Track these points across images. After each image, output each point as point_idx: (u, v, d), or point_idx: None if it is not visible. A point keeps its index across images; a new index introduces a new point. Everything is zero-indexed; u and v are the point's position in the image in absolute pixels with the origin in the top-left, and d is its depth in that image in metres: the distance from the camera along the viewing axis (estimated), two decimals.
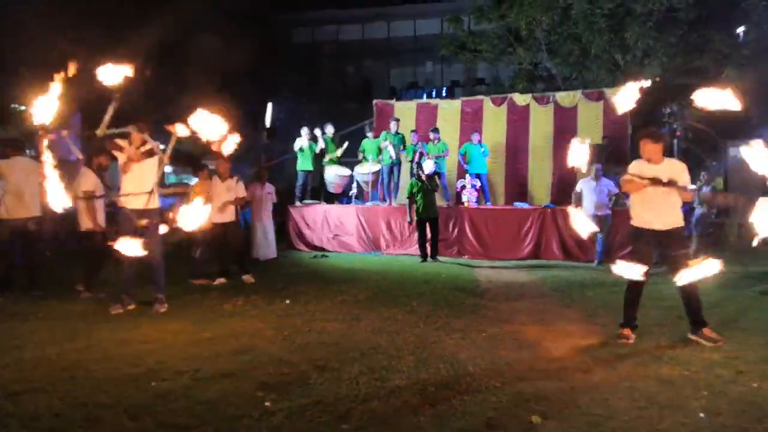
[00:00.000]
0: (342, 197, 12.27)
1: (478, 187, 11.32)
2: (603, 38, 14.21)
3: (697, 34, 14.10)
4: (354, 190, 11.94)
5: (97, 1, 12.65)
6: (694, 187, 8.54)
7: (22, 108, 13.52)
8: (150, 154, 5.71)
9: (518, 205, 11.14)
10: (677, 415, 3.13)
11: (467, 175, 11.42)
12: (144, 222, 5.59)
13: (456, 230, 10.59)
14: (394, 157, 11.25)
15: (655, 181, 4.60)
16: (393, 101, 13.92)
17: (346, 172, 11.77)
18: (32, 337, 4.70)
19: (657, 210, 4.71)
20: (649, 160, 4.77)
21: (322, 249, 11.18)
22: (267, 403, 3.28)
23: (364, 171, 11.47)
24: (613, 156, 11.43)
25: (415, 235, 10.39)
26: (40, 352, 4.26)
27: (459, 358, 4.17)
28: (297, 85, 22.24)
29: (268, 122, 12.76)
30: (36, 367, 3.91)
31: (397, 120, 11.74)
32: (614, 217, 9.52)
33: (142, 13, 13.47)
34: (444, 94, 21.62)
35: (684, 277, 4.51)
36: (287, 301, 6.20)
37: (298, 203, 11.73)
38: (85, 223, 6.56)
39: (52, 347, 4.39)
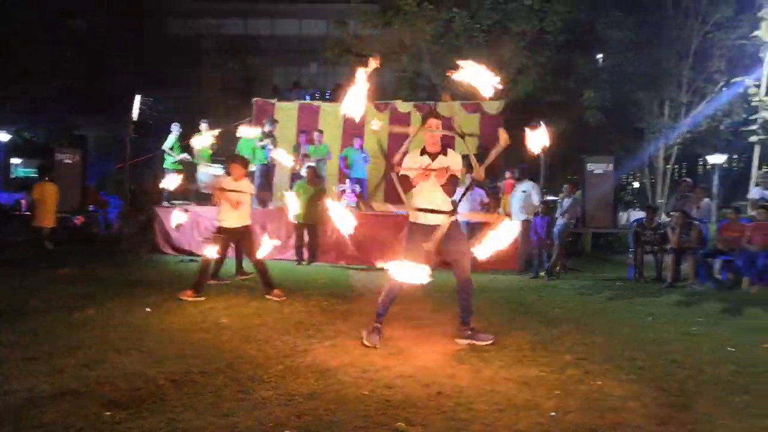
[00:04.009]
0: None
1: (357, 191, 11.37)
2: (481, 53, 14.93)
3: (564, 56, 15.31)
4: None
5: None
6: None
7: None
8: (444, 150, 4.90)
9: (396, 212, 11.33)
10: (532, 415, 3.28)
11: (347, 180, 11.44)
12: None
13: (334, 235, 10.54)
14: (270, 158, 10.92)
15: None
16: (274, 100, 13.61)
17: (219, 171, 11.23)
18: None
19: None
20: (235, 180, 6.79)
21: (191, 253, 10.53)
22: (115, 423, 2.97)
23: None
24: (487, 167, 12.01)
25: (293, 238, 10.20)
26: None
27: (330, 366, 4.09)
28: (173, 78, 20.98)
29: (135, 115, 11.86)
30: None
31: (276, 121, 11.43)
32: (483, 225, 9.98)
33: None
34: (328, 97, 21.52)
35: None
36: (147, 309, 5.74)
37: (165, 203, 11.02)
38: None
39: None
